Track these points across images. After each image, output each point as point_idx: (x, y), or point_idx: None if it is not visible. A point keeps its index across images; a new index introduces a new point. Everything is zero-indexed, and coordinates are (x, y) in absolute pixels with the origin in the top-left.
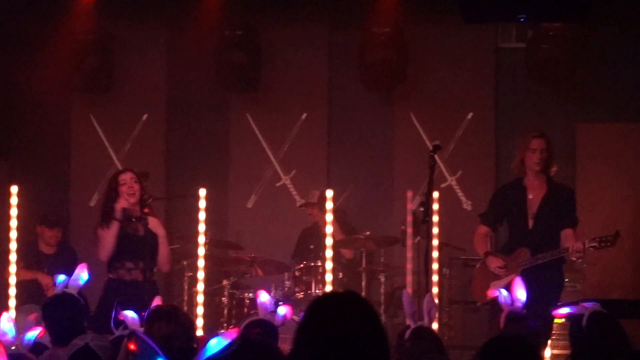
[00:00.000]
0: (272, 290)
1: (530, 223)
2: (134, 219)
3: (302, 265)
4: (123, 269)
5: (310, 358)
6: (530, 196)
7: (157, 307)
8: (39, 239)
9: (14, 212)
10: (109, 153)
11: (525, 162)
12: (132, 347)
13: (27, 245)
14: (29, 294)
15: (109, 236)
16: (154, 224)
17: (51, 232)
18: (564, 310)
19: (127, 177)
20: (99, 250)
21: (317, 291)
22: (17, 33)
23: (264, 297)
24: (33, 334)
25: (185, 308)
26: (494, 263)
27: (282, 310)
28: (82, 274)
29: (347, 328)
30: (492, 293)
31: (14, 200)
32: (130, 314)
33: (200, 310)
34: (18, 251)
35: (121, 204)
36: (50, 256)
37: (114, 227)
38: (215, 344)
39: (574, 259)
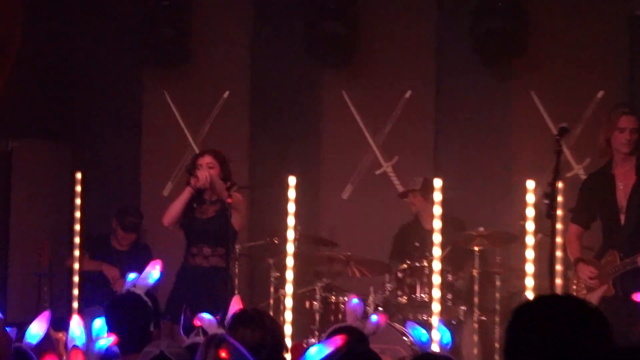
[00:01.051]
0: (371, 294)
1: (622, 218)
2: (206, 202)
3: (405, 266)
4: (189, 254)
5: None
6: (620, 185)
7: (241, 311)
8: (112, 233)
9: (78, 200)
10: (185, 135)
11: (612, 142)
12: (223, 354)
13: (97, 237)
14: (94, 287)
15: (177, 200)
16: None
17: (125, 235)
18: None
19: (203, 162)
20: (164, 215)
21: (422, 295)
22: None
23: (355, 302)
24: (104, 342)
25: (271, 313)
26: (584, 272)
27: (375, 317)
28: (152, 272)
29: (574, 337)
30: (637, 297)
31: (78, 188)
32: (207, 317)
33: (288, 315)
34: (82, 244)
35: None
36: (123, 253)
37: (185, 192)
38: (316, 352)
39: None
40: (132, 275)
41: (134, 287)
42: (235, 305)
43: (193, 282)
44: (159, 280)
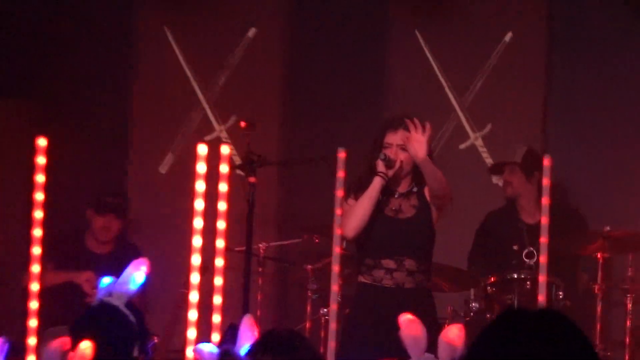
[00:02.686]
0: (449, 317)
1: None
2: (397, 194)
3: (497, 278)
4: (380, 269)
5: None
6: None
7: (269, 333)
8: (86, 229)
9: (40, 178)
10: (193, 89)
11: None
12: None
13: (66, 236)
14: (63, 303)
15: (363, 197)
16: None
17: (102, 220)
18: None
19: (393, 142)
20: (343, 223)
21: None
22: None
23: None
24: None
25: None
26: None
27: None
28: (134, 275)
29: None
30: None
31: (40, 159)
32: (207, 349)
33: (332, 345)
34: (44, 243)
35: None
36: (103, 257)
37: (374, 184)
38: None
39: None
40: (106, 280)
41: (109, 296)
42: (248, 328)
43: (392, 309)
44: (143, 289)
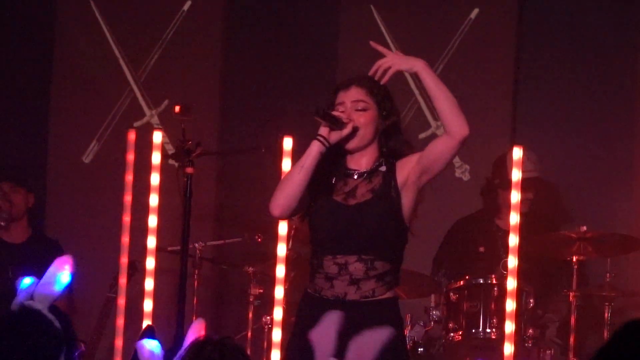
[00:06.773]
0: (408, 326)
1: None
2: (356, 174)
3: (461, 283)
4: (321, 274)
5: None
6: None
7: (201, 343)
8: None
9: None
10: (122, 68)
11: None
12: None
13: None
14: None
15: (293, 169)
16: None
17: (15, 195)
18: None
19: (346, 99)
20: (272, 196)
21: (488, 330)
22: None
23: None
24: None
25: (249, 351)
26: None
27: None
28: (59, 275)
29: None
30: None
31: None
32: (149, 346)
33: (275, 356)
34: None
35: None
36: (17, 247)
37: (311, 149)
38: None
39: None
40: (27, 281)
41: (31, 299)
42: (196, 333)
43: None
44: (70, 289)
